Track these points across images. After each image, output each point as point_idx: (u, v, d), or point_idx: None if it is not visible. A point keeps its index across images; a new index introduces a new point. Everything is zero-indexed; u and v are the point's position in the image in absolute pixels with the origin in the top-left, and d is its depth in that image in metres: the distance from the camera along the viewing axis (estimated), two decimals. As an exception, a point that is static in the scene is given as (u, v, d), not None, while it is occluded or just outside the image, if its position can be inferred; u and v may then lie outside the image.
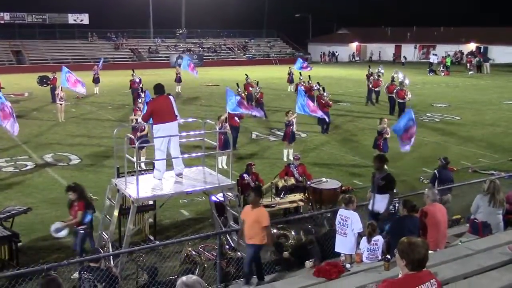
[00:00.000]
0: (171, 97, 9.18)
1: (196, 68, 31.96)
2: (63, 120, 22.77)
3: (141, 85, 25.93)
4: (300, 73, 30.29)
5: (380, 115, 24.26)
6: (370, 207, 8.98)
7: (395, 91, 23.80)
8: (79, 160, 16.54)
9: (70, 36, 57.78)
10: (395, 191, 9.45)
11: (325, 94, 21.08)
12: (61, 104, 23.05)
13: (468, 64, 48.34)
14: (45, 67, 43.88)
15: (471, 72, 46.26)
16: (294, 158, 12.64)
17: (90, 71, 34.09)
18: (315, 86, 24.96)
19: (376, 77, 28.43)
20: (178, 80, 32.64)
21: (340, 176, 13.92)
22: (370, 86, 28.11)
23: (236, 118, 16.63)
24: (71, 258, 8.10)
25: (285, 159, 16.09)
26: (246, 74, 27.67)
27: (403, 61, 57.76)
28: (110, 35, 60.01)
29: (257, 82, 25.58)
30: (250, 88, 25.56)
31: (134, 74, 28.77)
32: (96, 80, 32.31)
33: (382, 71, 30.17)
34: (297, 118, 17.08)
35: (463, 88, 36.49)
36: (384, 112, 24.97)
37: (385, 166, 9.37)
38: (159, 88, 9.23)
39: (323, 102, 20.56)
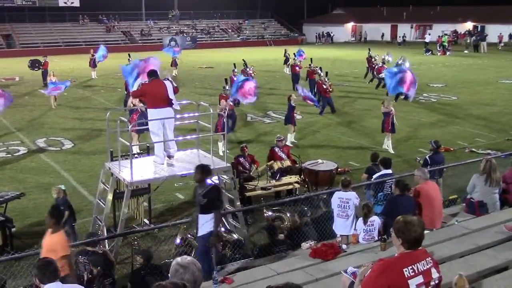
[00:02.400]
0: (167, 82, 9.10)
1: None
2: (55, 106, 22.50)
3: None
4: (294, 53, 30.07)
5: (375, 95, 24.35)
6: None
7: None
8: (72, 145, 16.49)
9: (60, 19, 57.19)
10: (390, 171, 9.47)
11: (326, 79, 20.94)
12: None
13: (447, 44, 47.68)
14: (36, 51, 43.48)
15: (445, 53, 45.76)
16: (277, 140, 12.21)
17: (82, 55, 33.91)
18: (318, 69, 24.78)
19: (380, 63, 27.87)
20: (174, 64, 32.50)
21: (336, 158, 13.94)
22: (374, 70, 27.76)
23: (230, 102, 16.55)
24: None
25: (289, 143, 15.62)
26: (243, 60, 27.42)
27: (399, 41, 57.45)
28: (101, 17, 59.47)
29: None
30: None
31: (130, 59, 28.37)
32: (93, 64, 32.04)
33: (390, 58, 29.24)
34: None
35: (460, 67, 36.47)
36: (380, 94, 24.96)
37: (208, 179, 7.47)
38: (152, 73, 9.12)
39: (324, 87, 20.48)
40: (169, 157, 9.13)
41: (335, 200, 8.20)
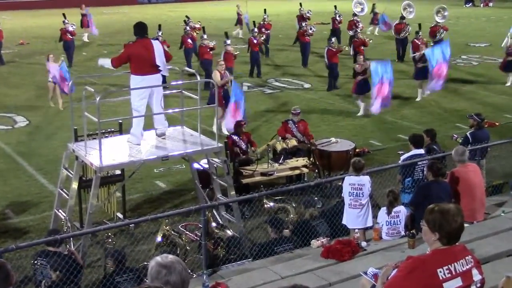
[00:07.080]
0: (155, 42, 9.02)
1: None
2: (62, 108, 17.61)
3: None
4: (300, 3, 29.38)
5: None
6: None
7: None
8: (27, 122, 16.46)
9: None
10: (422, 151, 9.41)
11: (332, 40, 20.55)
12: (54, 83, 17.72)
13: None
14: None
15: (469, 5, 45.67)
16: (292, 112, 12.36)
17: (40, 10, 33.45)
18: (311, 29, 23.85)
19: (397, 21, 26.79)
20: (240, 22, 31.80)
21: (353, 136, 13.94)
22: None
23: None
24: (21, 242, 8.16)
25: None
26: (186, 16, 26.57)
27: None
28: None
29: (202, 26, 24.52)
30: (195, 34, 24.32)
31: (67, 21, 25.27)
32: (87, 24, 31.21)
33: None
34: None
35: (508, 22, 36.15)
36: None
37: None
38: (140, 29, 8.93)
39: (333, 50, 20.42)
40: (160, 135, 9.16)
41: (346, 187, 8.21)
